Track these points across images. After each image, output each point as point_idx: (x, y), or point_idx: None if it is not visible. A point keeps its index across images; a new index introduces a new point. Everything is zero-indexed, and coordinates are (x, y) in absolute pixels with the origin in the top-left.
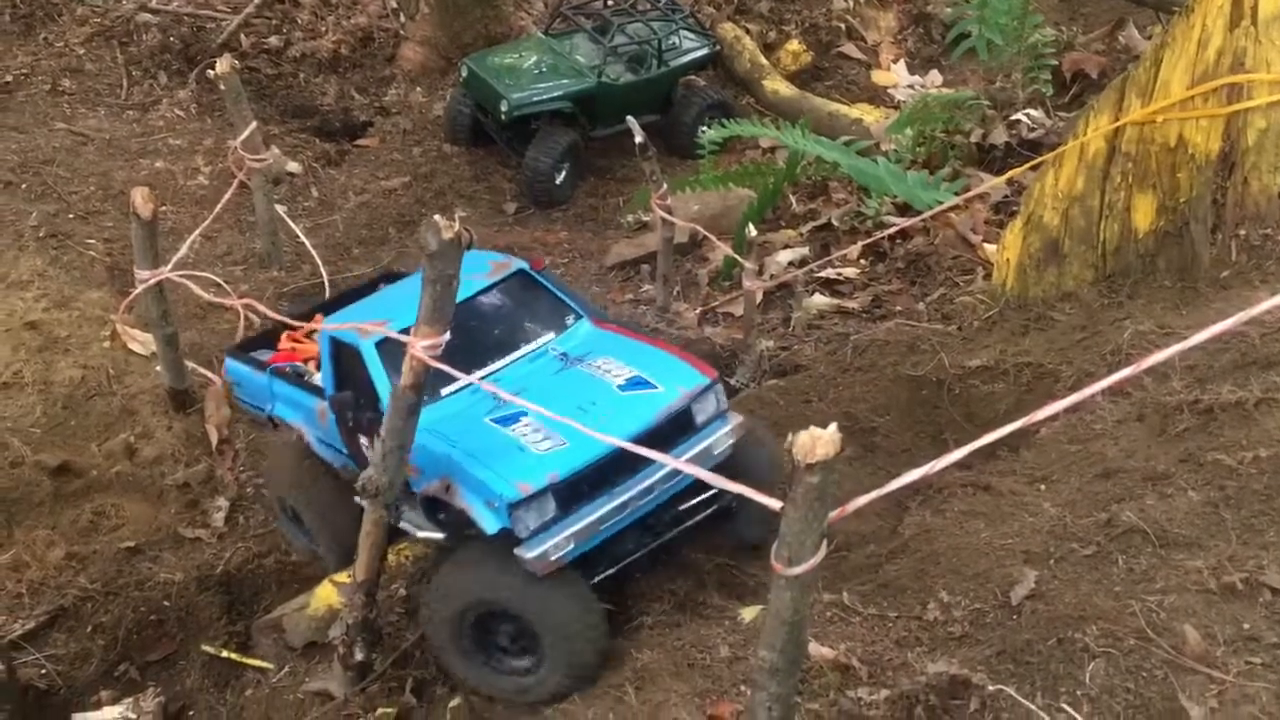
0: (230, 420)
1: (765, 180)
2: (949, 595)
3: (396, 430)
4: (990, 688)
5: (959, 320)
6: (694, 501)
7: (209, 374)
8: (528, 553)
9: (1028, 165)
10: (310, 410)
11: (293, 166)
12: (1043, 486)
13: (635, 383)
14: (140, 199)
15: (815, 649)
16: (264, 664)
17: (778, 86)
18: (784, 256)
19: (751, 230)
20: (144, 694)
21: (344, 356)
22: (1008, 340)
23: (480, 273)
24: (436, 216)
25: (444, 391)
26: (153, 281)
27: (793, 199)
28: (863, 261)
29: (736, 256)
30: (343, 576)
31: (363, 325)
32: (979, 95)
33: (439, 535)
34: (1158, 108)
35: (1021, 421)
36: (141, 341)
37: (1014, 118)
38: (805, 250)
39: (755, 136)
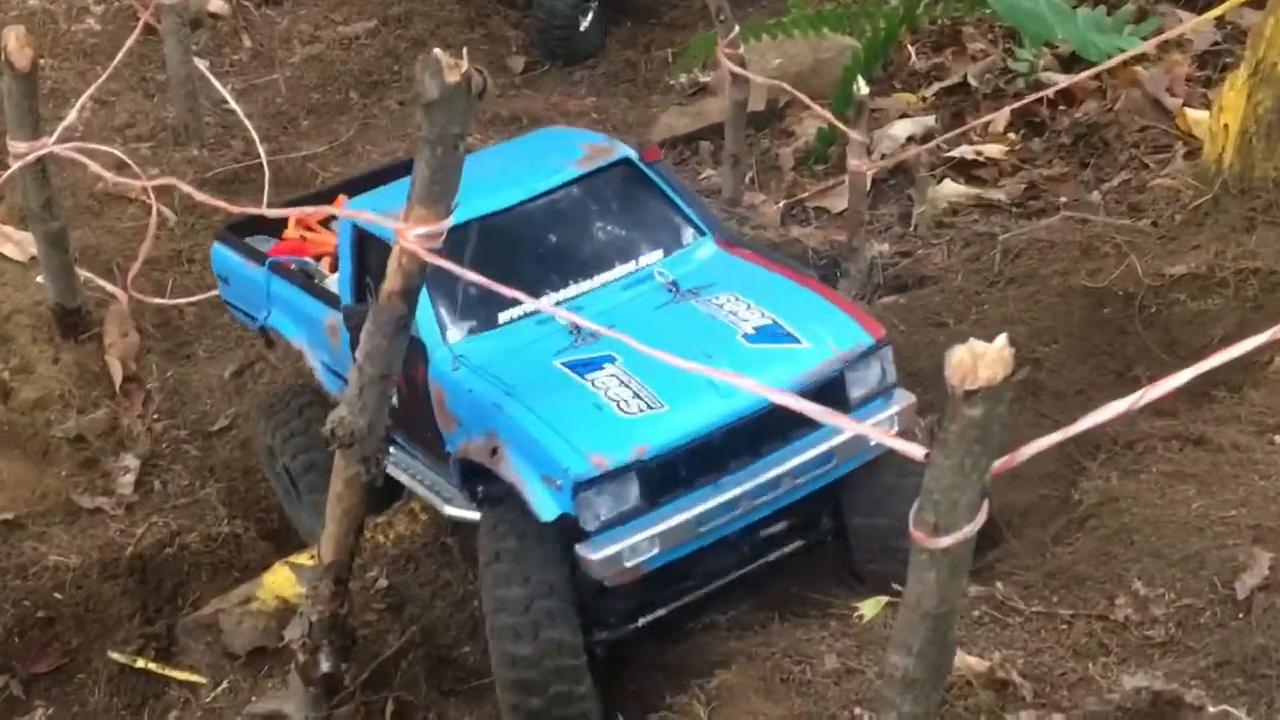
0: (140, 350)
1: (874, 23)
2: (1146, 587)
3: (379, 353)
4: (1211, 709)
5: (1153, 213)
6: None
7: (110, 286)
8: (593, 552)
9: None
10: (318, 325)
11: (217, 5)
12: (1277, 439)
13: (770, 333)
14: (15, 43)
15: (962, 659)
16: (193, 677)
17: None
18: (901, 129)
19: (861, 86)
20: (30, 717)
21: (371, 255)
22: (1225, 238)
23: (568, 158)
24: (437, 52)
25: (502, 318)
26: (32, 158)
27: (912, 51)
28: (1011, 136)
29: (839, 124)
30: (303, 558)
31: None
32: None
33: (473, 515)
34: None
35: (1247, 345)
36: (17, 242)
37: None
38: (931, 120)
39: None
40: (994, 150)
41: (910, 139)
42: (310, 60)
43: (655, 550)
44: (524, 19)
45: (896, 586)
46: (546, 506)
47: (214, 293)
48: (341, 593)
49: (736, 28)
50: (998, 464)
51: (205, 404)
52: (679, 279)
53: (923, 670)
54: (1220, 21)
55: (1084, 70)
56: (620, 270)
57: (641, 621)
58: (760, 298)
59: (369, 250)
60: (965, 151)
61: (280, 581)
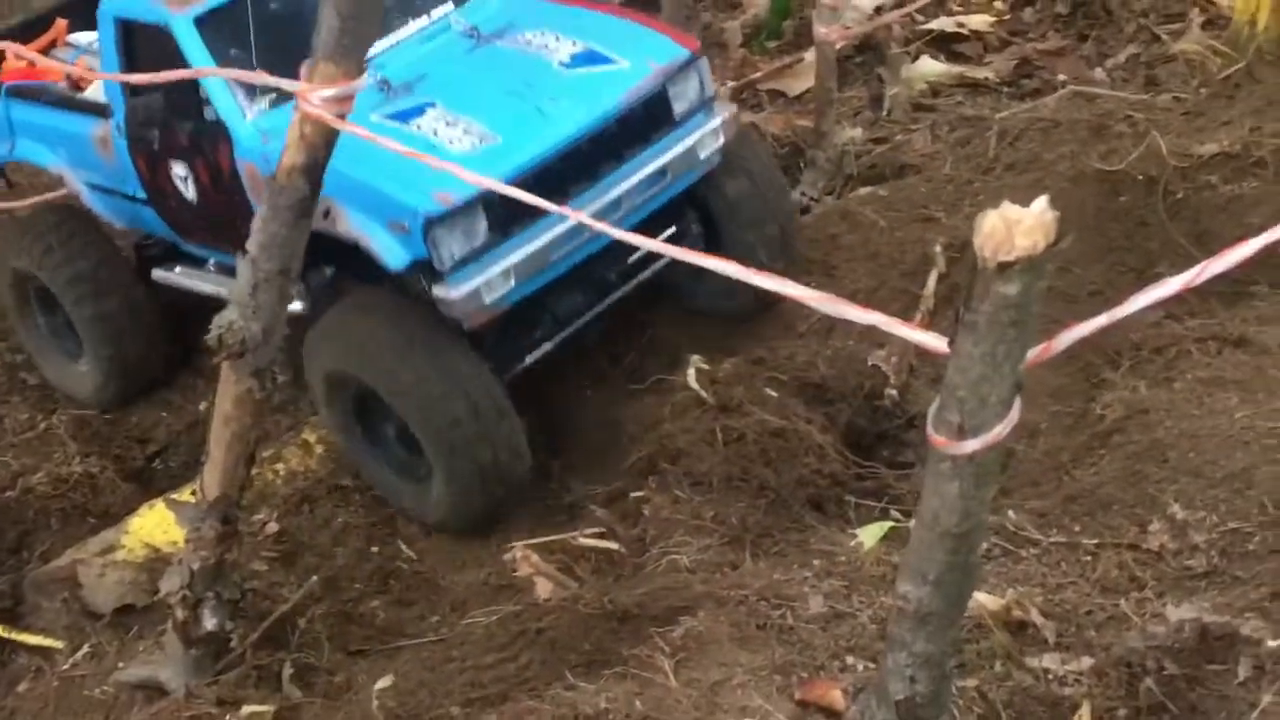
0: None
1: None
2: (1185, 510)
3: (277, 243)
4: (1271, 643)
5: (1174, 87)
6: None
7: None
8: (451, 290)
9: None
10: (83, 140)
11: None
12: None
13: (586, 58)
14: None
15: (973, 596)
16: (47, 641)
17: None
18: None
19: None
20: None
21: (141, 46)
22: (1262, 112)
23: None
24: None
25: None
26: None
27: None
28: (999, 4)
29: None
30: (185, 494)
31: None
32: None
33: (297, 306)
34: None
35: None
36: None
37: None
38: None
39: None
40: (978, 21)
41: (879, 9)
42: None
43: (511, 284)
44: None
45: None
46: (396, 254)
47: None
48: (229, 534)
49: None
50: (1031, 354)
51: None
52: (478, 25)
53: (940, 602)
54: None
55: None
56: (412, 26)
57: (530, 359)
58: (567, 29)
59: (137, 40)
60: (945, 23)
61: (149, 527)
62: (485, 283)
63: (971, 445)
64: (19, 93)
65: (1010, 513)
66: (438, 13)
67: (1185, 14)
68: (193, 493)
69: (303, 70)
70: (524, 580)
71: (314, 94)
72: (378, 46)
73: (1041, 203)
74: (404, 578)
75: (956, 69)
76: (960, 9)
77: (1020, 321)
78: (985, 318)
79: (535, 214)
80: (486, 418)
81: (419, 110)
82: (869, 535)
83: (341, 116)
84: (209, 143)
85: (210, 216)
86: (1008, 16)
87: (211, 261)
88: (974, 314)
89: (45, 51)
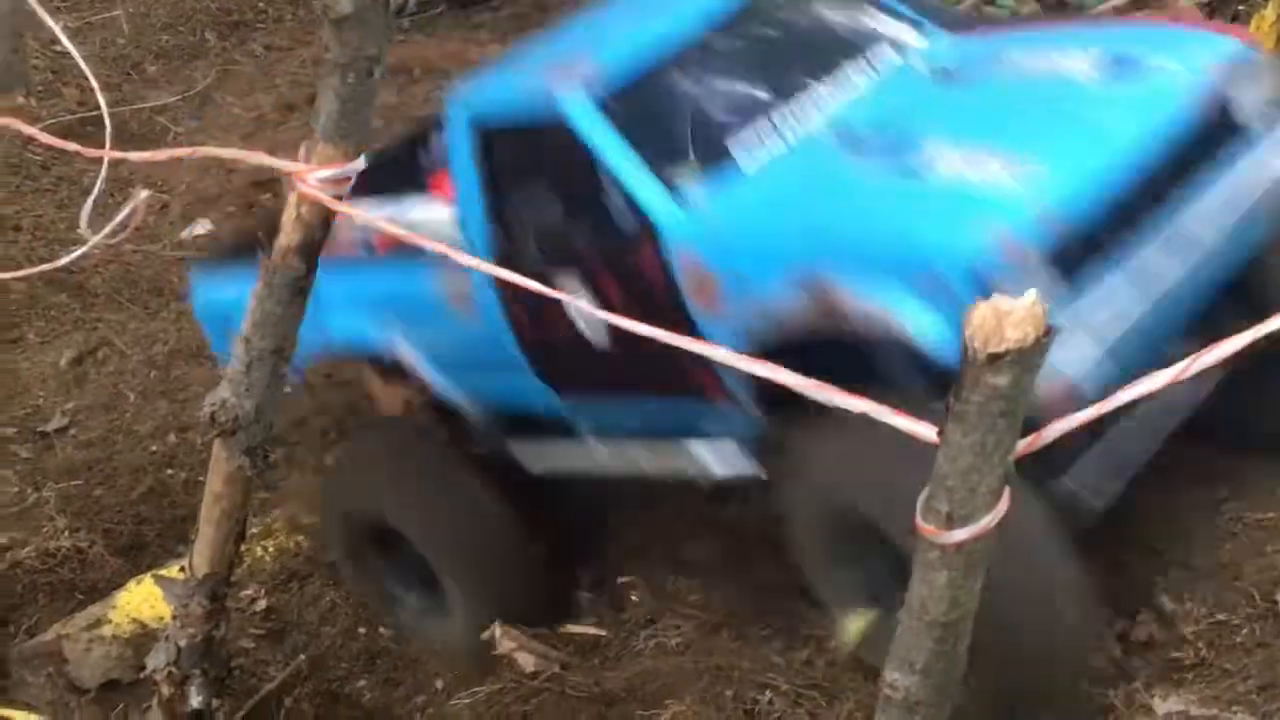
0: None
1: None
2: (1173, 602)
3: (271, 322)
4: None
5: None
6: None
7: None
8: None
9: None
10: (431, 301)
11: None
12: None
13: (1119, 67)
14: None
15: None
16: (32, 716)
17: None
18: None
19: None
20: None
21: (512, 147)
22: None
23: None
24: None
25: (737, 151)
26: None
27: None
28: None
29: None
30: (172, 570)
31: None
32: None
33: (749, 468)
34: None
35: None
36: None
37: None
38: None
39: None
40: None
41: None
42: None
43: (1099, 354)
44: None
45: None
46: (932, 326)
47: (47, 266)
48: (217, 612)
49: None
50: (1022, 444)
51: (37, 397)
52: (945, 63)
53: (928, 691)
54: None
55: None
56: (853, 77)
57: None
58: (1077, 44)
59: (501, 142)
60: None
61: (136, 602)
62: (1070, 353)
63: (960, 535)
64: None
65: None
66: (880, 59)
67: None
68: (181, 569)
69: (301, 150)
70: (505, 657)
71: (312, 174)
72: (827, 95)
73: (1031, 294)
74: (391, 657)
75: None
76: None
77: (1010, 412)
78: (975, 408)
79: (1116, 258)
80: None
81: (913, 150)
82: (851, 627)
83: (338, 198)
84: (622, 249)
85: (619, 352)
86: None
87: (588, 432)
88: (963, 404)
89: None
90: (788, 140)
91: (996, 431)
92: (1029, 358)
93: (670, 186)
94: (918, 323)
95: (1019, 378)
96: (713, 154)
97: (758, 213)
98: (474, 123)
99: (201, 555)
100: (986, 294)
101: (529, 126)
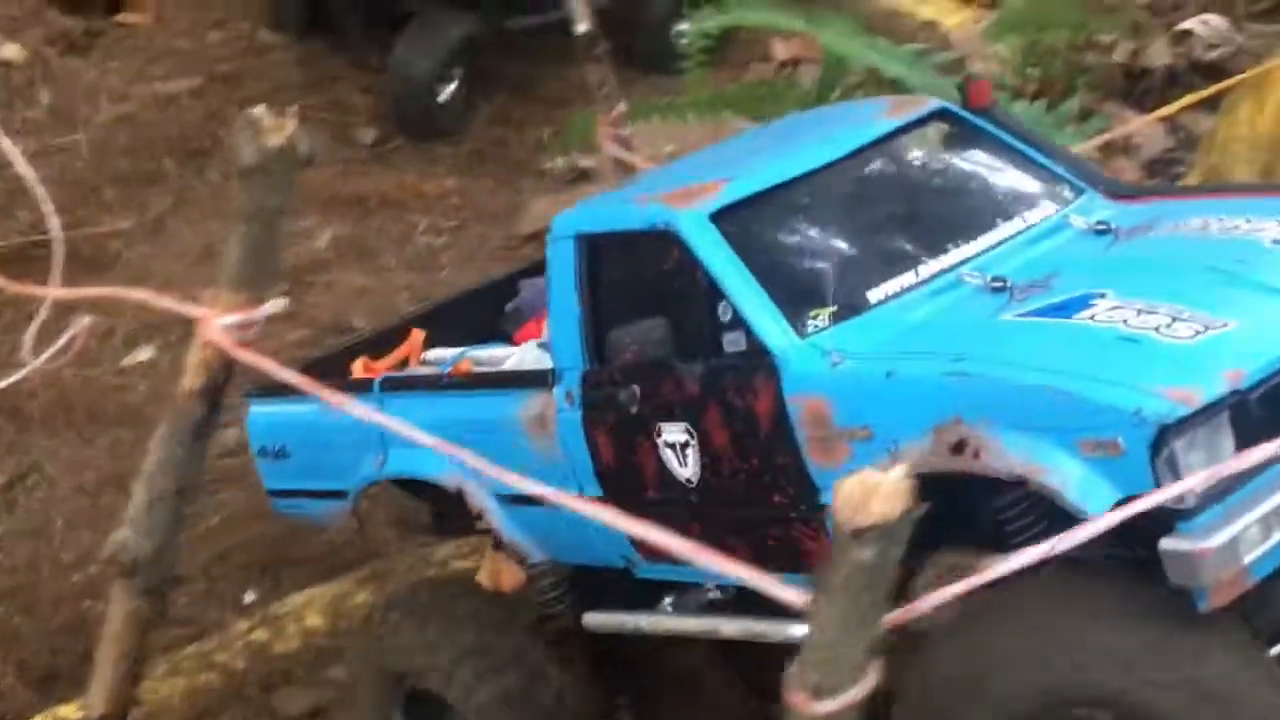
0: None
1: (781, 106)
2: None
3: (174, 463)
4: None
5: None
6: None
7: None
8: (1199, 540)
9: (1201, 95)
10: (504, 426)
11: (11, 51)
12: None
13: None
14: None
15: None
16: None
17: None
18: None
19: None
20: None
21: (618, 269)
22: None
23: (874, 110)
24: (258, 109)
25: (873, 296)
26: None
27: None
28: None
29: None
30: (72, 709)
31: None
32: None
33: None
34: None
35: None
36: None
37: (1182, 27)
38: None
39: (769, 30)
40: None
41: None
42: (120, 121)
43: (1275, 537)
44: (376, 83)
45: None
46: (1096, 491)
47: None
48: None
49: (622, 105)
50: (890, 617)
51: None
52: (1107, 221)
53: None
54: (1173, 125)
55: None
56: (1005, 229)
57: None
58: (1255, 212)
59: (606, 261)
60: None
61: None
62: (1245, 531)
63: (827, 707)
64: (396, 384)
65: None
66: (1035, 216)
67: None
68: (78, 708)
69: (205, 295)
70: None
71: (216, 320)
72: (973, 249)
73: (899, 470)
74: None
75: None
76: None
77: (874, 585)
78: (840, 581)
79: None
80: None
81: (1082, 303)
82: None
83: (242, 344)
84: (734, 383)
85: (717, 498)
86: None
87: (668, 600)
88: (829, 576)
89: (400, 368)
90: (932, 287)
91: (860, 606)
92: (895, 532)
93: (795, 322)
94: (1076, 481)
95: (884, 551)
96: (840, 297)
97: (897, 362)
98: (580, 233)
99: (98, 695)
100: (1169, 444)
101: (640, 245)
